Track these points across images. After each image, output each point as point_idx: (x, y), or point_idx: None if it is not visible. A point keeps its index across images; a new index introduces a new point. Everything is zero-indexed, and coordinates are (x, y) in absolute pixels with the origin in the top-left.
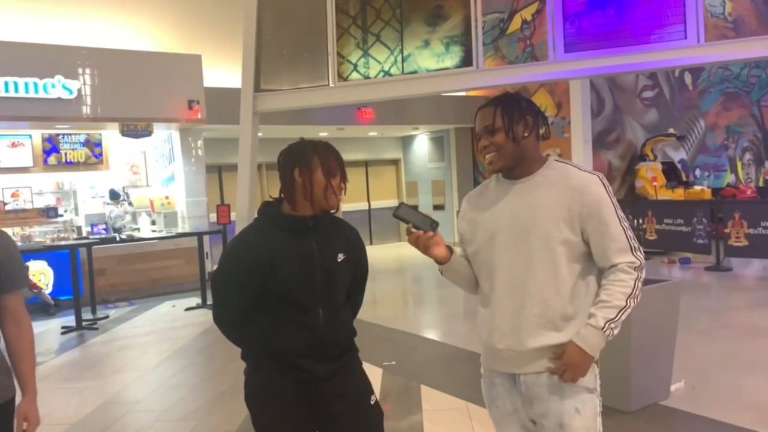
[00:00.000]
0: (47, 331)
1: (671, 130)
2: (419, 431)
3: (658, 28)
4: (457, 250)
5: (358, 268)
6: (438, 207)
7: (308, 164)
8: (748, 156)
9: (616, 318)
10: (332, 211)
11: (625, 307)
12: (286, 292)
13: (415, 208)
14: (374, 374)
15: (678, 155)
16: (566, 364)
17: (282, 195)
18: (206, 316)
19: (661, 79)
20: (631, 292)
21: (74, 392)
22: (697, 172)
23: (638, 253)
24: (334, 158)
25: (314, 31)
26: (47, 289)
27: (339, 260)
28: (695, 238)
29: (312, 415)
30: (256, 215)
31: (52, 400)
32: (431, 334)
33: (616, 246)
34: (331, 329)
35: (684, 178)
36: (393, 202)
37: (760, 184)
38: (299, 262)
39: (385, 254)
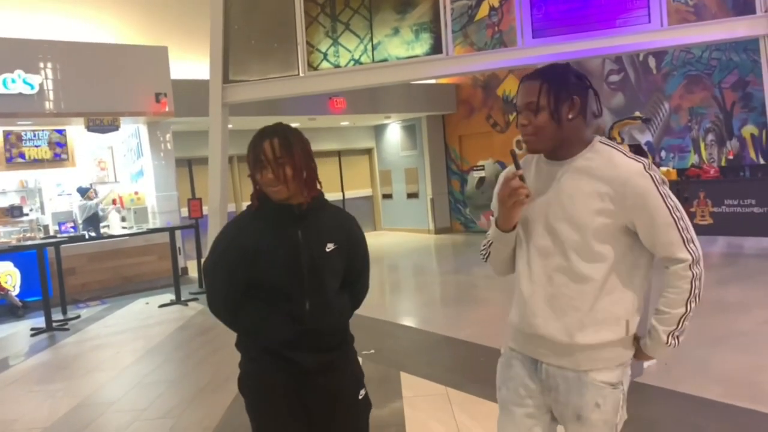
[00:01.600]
0: (16, 333)
1: (637, 113)
2: (400, 418)
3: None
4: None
5: (355, 256)
6: (412, 195)
7: (247, 160)
8: (710, 137)
9: (679, 327)
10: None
11: (686, 312)
12: (271, 282)
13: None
14: None
15: (644, 138)
16: (639, 358)
17: None
18: (181, 312)
19: (627, 63)
20: (690, 295)
21: (47, 395)
22: (663, 153)
23: (692, 245)
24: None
25: (283, 20)
26: (14, 291)
27: (328, 250)
28: None
29: (302, 408)
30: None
31: (23, 403)
32: (409, 322)
33: (667, 239)
34: (318, 319)
35: (651, 160)
36: (367, 192)
37: (723, 163)
38: (284, 252)
39: None
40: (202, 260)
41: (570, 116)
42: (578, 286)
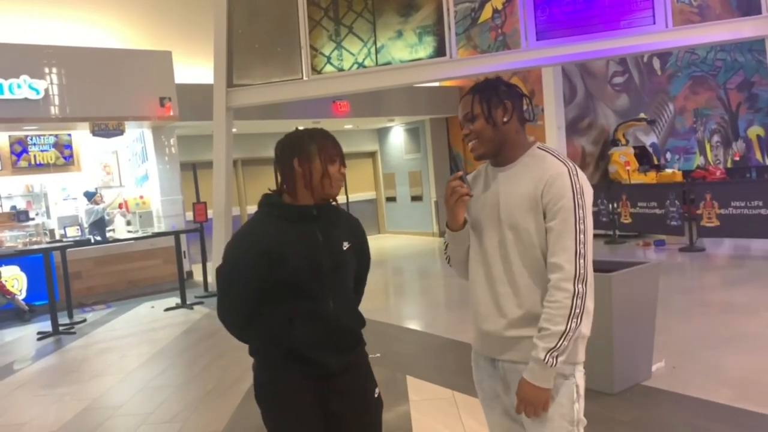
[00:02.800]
0: (23, 337)
1: (642, 115)
2: (407, 422)
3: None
4: None
5: (362, 256)
6: (416, 198)
7: (307, 153)
8: (716, 138)
9: (558, 346)
10: (333, 200)
11: (566, 330)
12: (295, 283)
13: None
14: None
15: (649, 139)
16: (522, 401)
17: (282, 186)
18: (186, 316)
19: (631, 64)
20: (571, 312)
21: (54, 399)
22: (668, 155)
23: (582, 260)
24: (332, 145)
25: (286, 24)
26: (21, 295)
27: (344, 248)
28: (668, 220)
29: (324, 411)
30: (257, 208)
31: (31, 407)
32: (414, 325)
33: (561, 245)
34: (343, 317)
35: (655, 162)
36: (371, 195)
37: (729, 165)
38: (307, 252)
39: None
40: (208, 263)
41: (505, 119)
42: (518, 285)
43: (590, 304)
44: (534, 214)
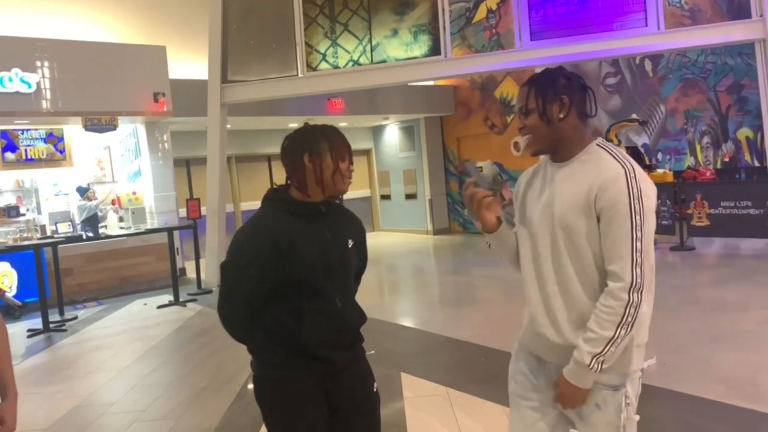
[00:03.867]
0: (13, 335)
1: (634, 116)
2: (402, 418)
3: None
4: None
5: (363, 255)
6: (410, 196)
7: (317, 149)
8: (706, 139)
9: (604, 351)
10: (339, 197)
11: (614, 337)
12: (305, 280)
13: (496, 171)
14: None
15: (641, 140)
16: (560, 396)
17: (290, 182)
18: (179, 313)
19: (623, 66)
20: (622, 320)
21: (45, 396)
22: (659, 155)
23: (638, 269)
24: (342, 141)
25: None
26: (11, 292)
27: (349, 246)
28: (660, 220)
29: (328, 408)
30: (263, 202)
31: (21, 405)
32: (409, 322)
33: (617, 253)
34: (349, 314)
35: (647, 162)
36: (365, 193)
37: (719, 165)
38: (316, 248)
39: None
40: (201, 260)
41: (561, 116)
42: (568, 287)
43: (647, 309)
44: (587, 217)
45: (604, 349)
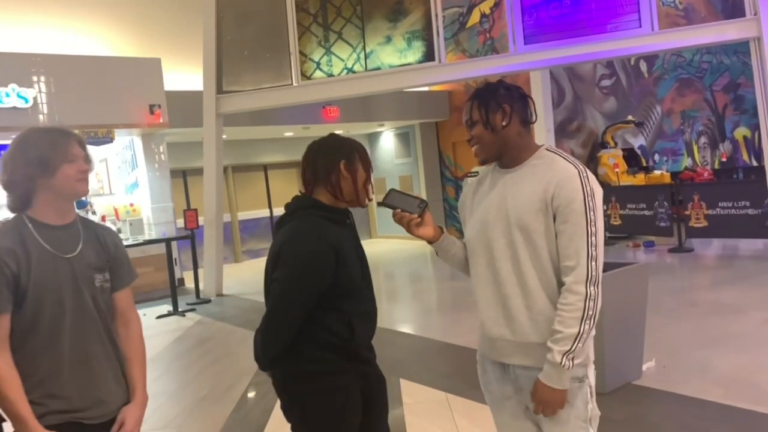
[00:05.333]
0: None
1: (630, 117)
2: (401, 425)
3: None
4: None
5: None
6: None
7: (353, 158)
8: (703, 140)
9: (573, 348)
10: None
11: (579, 333)
12: (351, 285)
13: (403, 192)
14: None
15: (637, 141)
16: (539, 402)
17: (317, 187)
18: (178, 323)
19: (618, 67)
20: (584, 314)
21: None
22: (656, 157)
23: (593, 263)
24: (367, 154)
25: (275, 30)
26: None
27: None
28: (658, 222)
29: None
30: (296, 210)
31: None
32: (407, 329)
33: (573, 248)
34: (376, 315)
35: (644, 164)
36: None
37: (716, 166)
38: (354, 253)
39: None
40: (199, 270)
41: (503, 123)
42: (527, 286)
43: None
44: (544, 216)
45: (572, 345)
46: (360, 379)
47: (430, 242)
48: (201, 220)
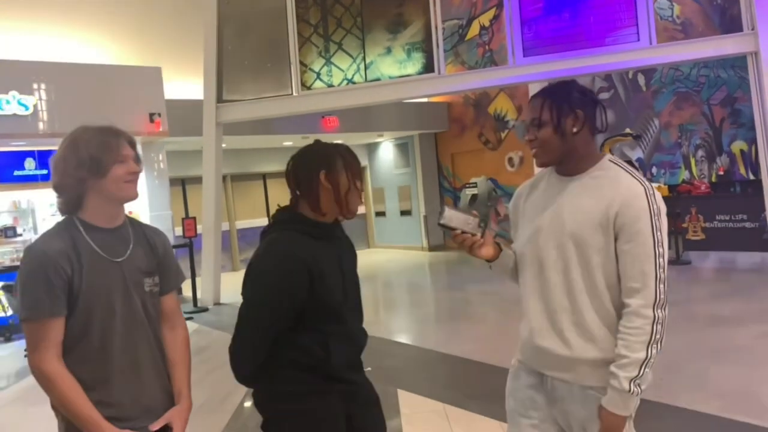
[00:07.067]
0: (11, 354)
1: (628, 130)
2: None
3: (612, 31)
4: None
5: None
6: (405, 212)
7: (334, 167)
8: (700, 153)
9: (640, 374)
10: (351, 217)
11: (647, 357)
12: (329, 304)
13: (459, 209)
14: None
15: (635, 154)
16: (605, 430)
17: (299, 200)
18: None
19: (616, 80)
20: (651, 338)
21: (43, 415)
22: (654, 170)
23: (662, 285)
24: (356, 160)
25: (276, 40)
26: (8, 312)
27: (355, 266)
28: None
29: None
30: (276, 223)
31: (20, 425)
32: (405, 339)
33: (640, 269)
34: (361, 336)
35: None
36: (360, 209)
37: (713, 179)
38: (336, 271)
39: None
40: (197, 279)
41: (574, 130)
42: (576, 302)
43: None
44: (603, 233)
45: (639, 371)
46: (343, 401)
47: (488, 261)
48: (199, 229)
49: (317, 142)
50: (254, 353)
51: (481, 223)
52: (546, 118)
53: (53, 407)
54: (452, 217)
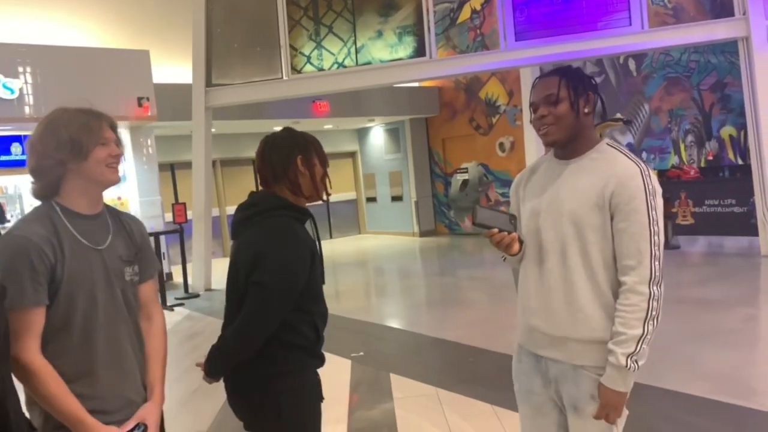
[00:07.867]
0: None
1: (618, 115)
2: (392, 419)
3: (604, 15)
4: None
5: None
6: (396, 198)
7: (309, 153)
8: (690, 138)
9: (637, 350)
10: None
11: (643, 334)
12: (317, 287)
13: (490, 208)
14: (343, 366)
15: (625, 139)
16: (605, 407)
17: (274, 184)
18: (167, 317)
19: (607, 65)
20: (647, 315)
21: None
22: (644, 155)
23: (657, 263)
24: (323, 150)
25: (265, 23)
26: None
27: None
28: None
29: None
30: (277, 209)
31: None
32: (397, 324)
33: (635, 247)
34: (327, 315)
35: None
36: (351, 195)
37: (702, 164)
38: (317, 254)
39: (346, 247)
40: (188, 264)
41: (586, 110)
42: (571, 281)
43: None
44: (600, 212)
45: (636, 347)
46: (317, 373)
47: (512, 256)
48: (189, 214)
49: (287, 128)
50: (262, 339)
51: (512, 219)
52: (564, 94)
53: (28, 402)
54: (485, 215)
